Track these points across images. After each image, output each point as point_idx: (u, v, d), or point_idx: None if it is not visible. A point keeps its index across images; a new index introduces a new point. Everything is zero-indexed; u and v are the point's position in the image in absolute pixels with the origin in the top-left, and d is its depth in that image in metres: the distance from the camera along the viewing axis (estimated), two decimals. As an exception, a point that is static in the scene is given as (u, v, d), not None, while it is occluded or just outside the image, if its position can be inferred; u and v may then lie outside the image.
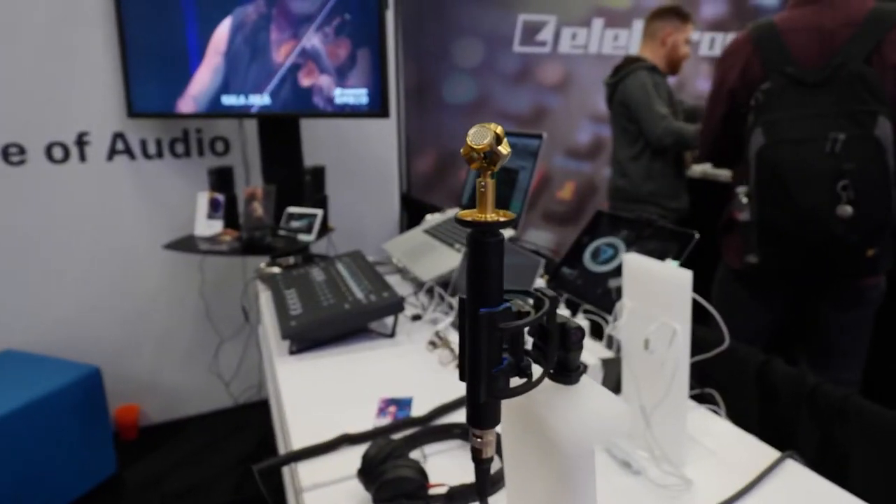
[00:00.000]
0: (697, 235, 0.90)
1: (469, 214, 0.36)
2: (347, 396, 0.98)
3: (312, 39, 1.73)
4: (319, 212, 1.94)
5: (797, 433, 0.91)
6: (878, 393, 0.97)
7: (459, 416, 0.88)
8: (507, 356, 0.38)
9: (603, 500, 0.39)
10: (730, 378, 0.98)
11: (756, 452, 0.78)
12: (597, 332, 1.03)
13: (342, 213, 2.32)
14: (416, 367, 1.08)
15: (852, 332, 1.44)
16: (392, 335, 1.22)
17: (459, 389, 0.93)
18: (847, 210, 1.17)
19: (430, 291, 1.37)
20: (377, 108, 1.74)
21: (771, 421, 0.94)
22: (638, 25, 3.16)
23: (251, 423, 2.41)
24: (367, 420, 0.89)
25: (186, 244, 1.96)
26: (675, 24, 2.36)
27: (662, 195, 2.33)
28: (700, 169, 2.70)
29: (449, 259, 1.40)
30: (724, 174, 2.49)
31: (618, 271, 0.99)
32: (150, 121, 2.15)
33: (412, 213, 2.71)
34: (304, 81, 1.80)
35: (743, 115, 1.38)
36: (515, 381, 0.38)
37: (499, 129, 0.34)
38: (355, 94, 1.76)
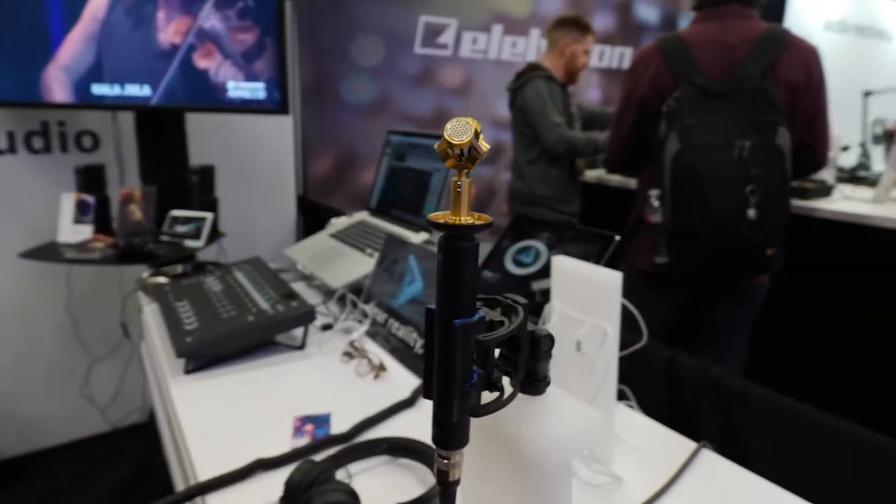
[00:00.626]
0: (618, 238, 0.94)
1: (441, 217, 0.33)
2: (257, 417, 0.90)
3: (211, 19, 1.60)
4: (209, 215, 1.79)
5: (702, 422, 0.98)
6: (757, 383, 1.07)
7: (383, 431, 0.84)
8: (476, 369, 0.35)
9: None
10: (640, 373, 1.03)
11: (674, 444, 0.82)
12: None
13: (234, 216, 2.17)
14: (331, 380, 1.02)
15: (740, 327, 1.60)
16: (302, 347, 1.15)
17: (380, 402, 0.89)
18: (753, 213, 1.29)
19: (341, 299, 1.31)
20: (277, 103, 1.64)
21: (679, 412, 1.00)
22: (535, 34, 3.30)
23: (127, 448, 2.17)
24: (283, 441, 0.82)
25: (48, 252, 1.72)
26: (573, 34, 2.49)
27: (556, 199, 2.45)
28: (594, 174, 2.87)
29: (360, 265, 1.35)
30: (617, 179, 2.67)
31: (541, 274, 1.01)
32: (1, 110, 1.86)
33: (310, 217, 2.60)
34: (200, 63, 1.65)
35: (652, 123, 1.48)
36: (486, 396, 0.36)
37: (477, 125, 0.31)
38: (251, 88, 1.65)
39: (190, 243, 1.74)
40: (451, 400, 0.34)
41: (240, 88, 1.65)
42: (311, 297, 1.36)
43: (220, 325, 1.04)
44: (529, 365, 0.37)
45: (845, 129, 3.52)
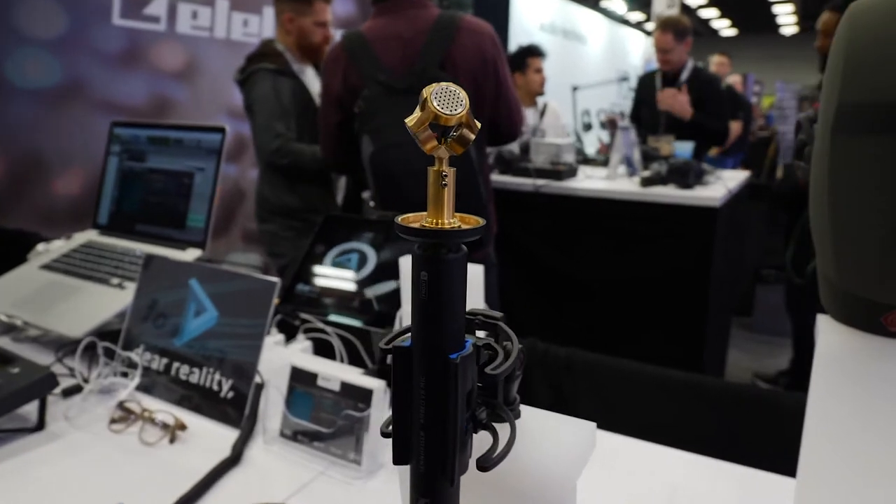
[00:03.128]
0: None
1: (416, 220, 0.26)
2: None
3: None
4: None
5: (534, 392, 1.06)
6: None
7: (209, 507, 0.70)
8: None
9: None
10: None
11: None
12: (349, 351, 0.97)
13: None
14: (103, 460, 0.80)
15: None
16: (40, 427, 0.88)
17: (189, 470, 0.73)
18: None
19: (88, 349, 1.04)
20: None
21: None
22: (269, 12, 3.12)
23: None
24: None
25: None
26: (296, 6, 2.11)
27: (309, 210, 2.10)
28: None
29: (108, 300, 1.10)
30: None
31: (375, 278, 0.95)
32: None
33: (-12, 246, 2.03)
34: None
35: (352, 122, 1.52)
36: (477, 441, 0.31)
37: (465, 95, 0.25)
38: None
39: None
40: (450, 458, 0.28)
41: None
42: (35, 355, 1.05)
43: None
44: (505, 387, 0.32)
45: (566, 118, 4.25)
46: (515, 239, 2.48)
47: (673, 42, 2.89)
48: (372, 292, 0.97)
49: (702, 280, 2.13)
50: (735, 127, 5.46)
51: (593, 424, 0.35)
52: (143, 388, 0.95)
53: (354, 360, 1.01)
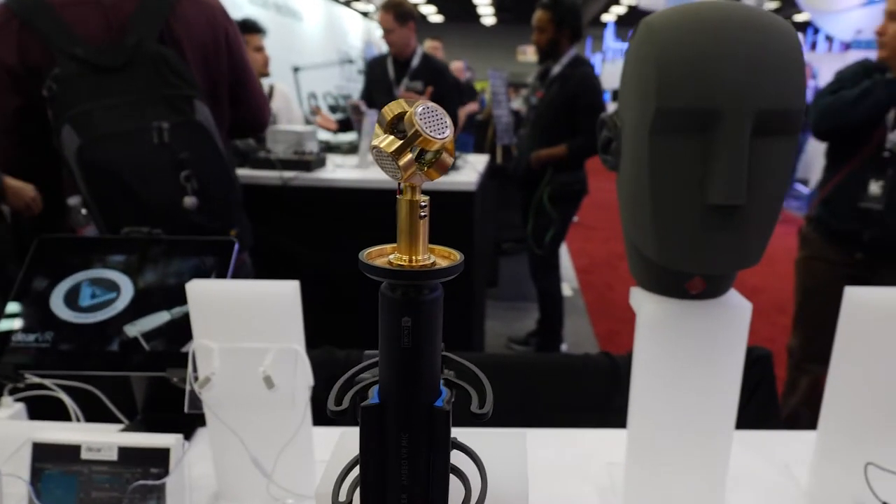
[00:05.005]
0: (236, 241, 0.84)
1: (379, 257, 0.24)
2: None
3: None
4: None
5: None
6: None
7: None
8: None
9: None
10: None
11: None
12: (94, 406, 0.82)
13: None
14: None
15: None
16: None
17: None
18: (193, 200, 1.21)
19: None
20: None
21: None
22: None
23: None
24: None
25: None
26: None
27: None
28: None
29: None
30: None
31: (133, 311, 0.79)
32: None
33: None
34: None
35: (40, 108, 1.26)
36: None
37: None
38: None
39: None
40: None
41: None
42: None
43: None
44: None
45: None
46: (266, 240, 2.36)
47: (394, 23, 3.00)
48: (135, 329, 0.82)
49: (466, 262, 2.32)
50: (465, 110, 6.08)
51: (524, 431, 0.36)
52: None
53: (104, 416, 0.86)
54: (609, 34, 14.90)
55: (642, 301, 0.62)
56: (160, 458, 0.66)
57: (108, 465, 0.65)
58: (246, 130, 1.66)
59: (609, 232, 5.49)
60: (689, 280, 0.58)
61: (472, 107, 6.02)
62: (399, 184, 0.24)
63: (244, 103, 1.49)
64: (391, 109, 0.24)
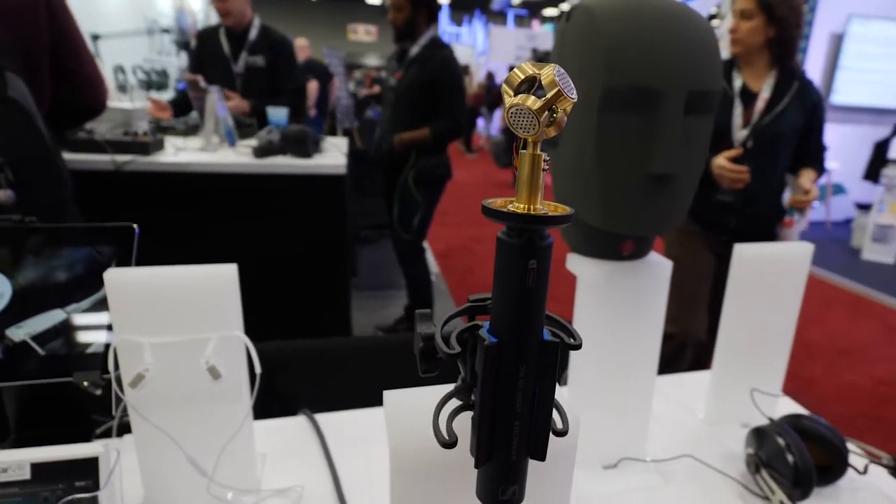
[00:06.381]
0: (137, 227, 0.77)
1: (504, 204, 0.28)
2: None
3: None
4: None
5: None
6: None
7: None
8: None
9: None
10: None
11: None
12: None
13: None
14: None
15: None
16: None
17: None
18: (8, 194, 1.09)
19: None
20: None
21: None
22: None
23: None
24: None
25: None
26: None
27: None
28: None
29: None
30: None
31: (17, 313, 0.70)
32: None
33: None
34: None
35: None
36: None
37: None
38: None
39: None
40: (546, 437, 0.31)
41: None
42: None
43: None
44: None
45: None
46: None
47: None
48: (23, 332, 0.73)
49: (340, 247, 2.29)
50: (312, 87, 5.91)
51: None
52: None
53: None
54: (444, 17, 15.37)
55: (581, 264, 0.70)
56: (86, 470, 0.61)
57: (19, 486, 0.59)
58: (78, 113, 1.48)
59: (461, 216, 5.73)
60: (623, 243, 0.68)
61: (313, 87, 5.90)
62: (523, 141, 0.28)
63: (73, 78, 1.32)
64: (520, 73, 0.28)
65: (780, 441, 0.68)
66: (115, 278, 0.62)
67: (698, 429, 0.85)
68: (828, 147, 1.92)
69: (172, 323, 0.64)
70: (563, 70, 0.27)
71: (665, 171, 0.59)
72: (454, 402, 0.33)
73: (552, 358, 0.30)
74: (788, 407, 0.89)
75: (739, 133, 1.80)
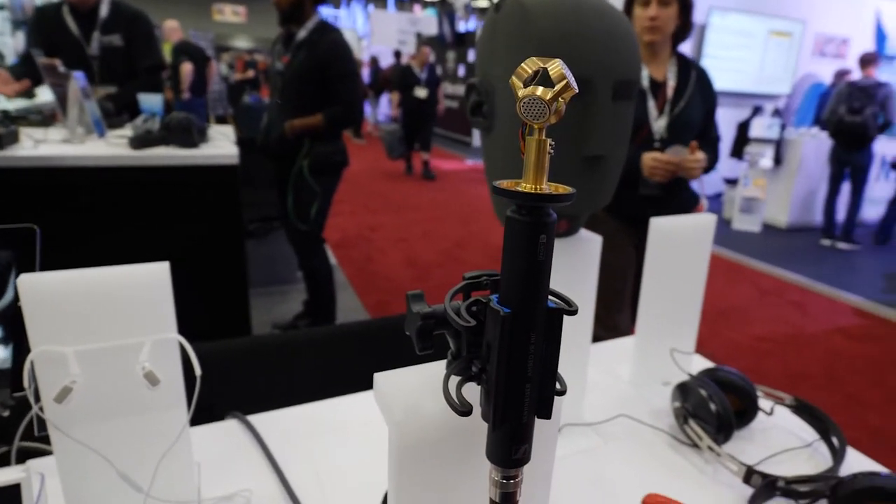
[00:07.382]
0: (37, 228, 0.71)
1: (513, 185, 0.31)
2: None
3: None
4: None
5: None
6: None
7: None
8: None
9: None
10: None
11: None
12: None
13: None
14: None
15: None
16: None
17: None
18: None
19: None
20: None
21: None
22: None
23: None
24: None
25: None
26: None
27: None
28: None
29: None
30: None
31: None
32: None
33: None
34: None
35: None
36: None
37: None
38: None
39: None
40: (552, 398, 0.34)
41: None
42: None
43: None
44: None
45: None
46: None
47: None
48: None
49: (237, 242, 2.19)
50: (186, 69, 5.57)
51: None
52: None
53: None
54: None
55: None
56: (7, 499, 0.57)
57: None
58: None
59: (354, 205, 5.68)
60: (558, 222, 0.72)
61: (187, 69, 5.59)
62: (529, 127, 0.31)
63: None
64: (528, 67, 0.30)
65: (703, 392, 0.76)
66: (31, 285, 0.58)
67: (626, 390, 0.93)
68: (721, 137, 2.00)
69: (100, 329, 0.60)
70: (565, 64, 0.30)
71: (599, 153, 0.64)
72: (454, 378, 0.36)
73: (557, 323, 0.33)
74: (700, 364, 0.99)
75: (658, 123, 1.87)
